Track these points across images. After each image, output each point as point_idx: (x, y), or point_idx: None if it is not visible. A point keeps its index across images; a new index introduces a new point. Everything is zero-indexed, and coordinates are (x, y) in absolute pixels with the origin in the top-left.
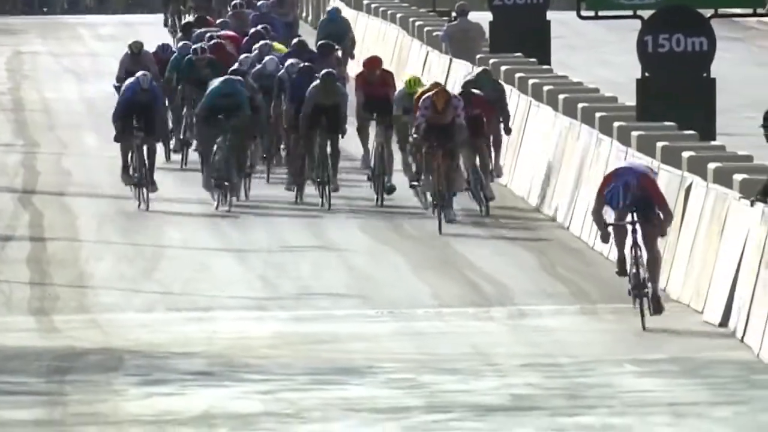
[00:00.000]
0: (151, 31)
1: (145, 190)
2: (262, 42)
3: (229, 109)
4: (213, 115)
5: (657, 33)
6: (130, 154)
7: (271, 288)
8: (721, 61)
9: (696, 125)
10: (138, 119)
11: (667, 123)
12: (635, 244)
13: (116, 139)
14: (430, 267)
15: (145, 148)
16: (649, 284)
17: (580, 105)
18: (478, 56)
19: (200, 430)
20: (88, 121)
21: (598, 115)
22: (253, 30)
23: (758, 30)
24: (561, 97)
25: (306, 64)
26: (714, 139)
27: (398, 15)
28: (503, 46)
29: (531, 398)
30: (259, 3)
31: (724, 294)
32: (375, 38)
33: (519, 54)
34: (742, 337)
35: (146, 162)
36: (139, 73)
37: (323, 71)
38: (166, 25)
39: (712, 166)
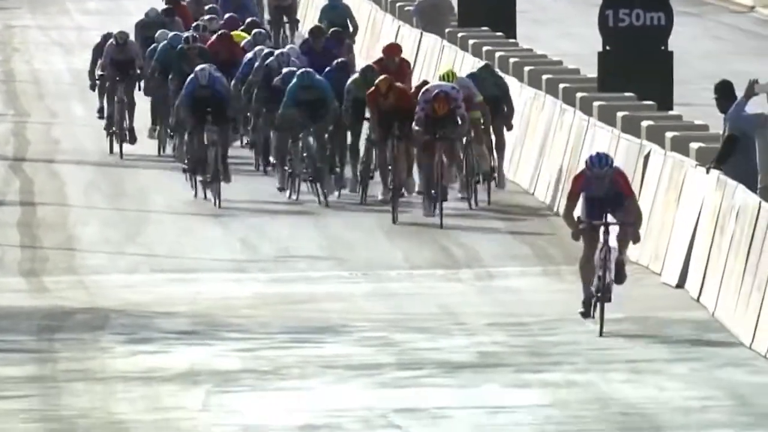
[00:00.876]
0: (137, 6)
1: (217, 184)
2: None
3: (314, 104)
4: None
5: (617, 7)
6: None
7: (251, 251)
8: (678, 35)
9: (654, 96)
10: (207, 114)
11: (626, 94)
12: (605, 245)
13: (188, 133)
14: (403, 231)
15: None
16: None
17: (544, 77)
18: (447, 30)
19: (184, 386)
20: (76, 92)
21: (561, 86)
22: (249, 20)
23: (714, 5)
24: (526, 69)
25: (342, 60)
26: (671, 109)
27: None
28: (471, 21)
29: (497, 355)
30: None
31: (681, 257)
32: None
33: (486, 28)
34: (698, 298)
35: (219, 155)
36: (198, 69)
37: (364, 66)
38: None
39: (669, 134)
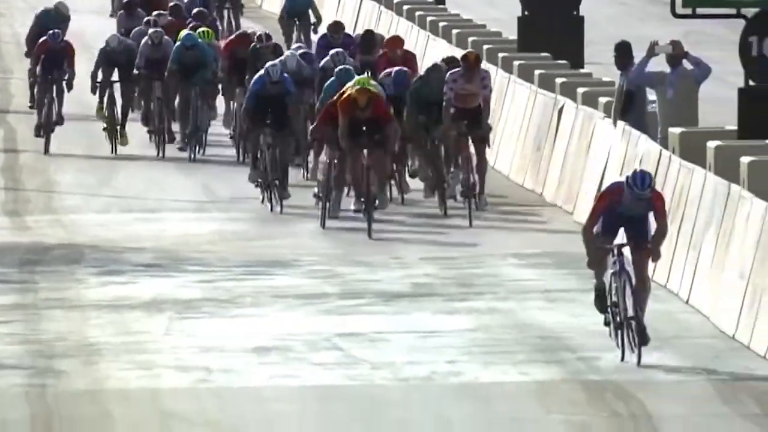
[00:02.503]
0: None
1: (276, 192)
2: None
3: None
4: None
5: None
6: (259, 151)
7: (211, 194)
8: (588, 2)
9: (567, 56)
10: (269, 114)
11: (543, 54)
12: (621, 269)
13: (246, 136)
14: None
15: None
16: (634, 313)
17: (470, 39)
18: None
19: (149, 313)
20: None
21: (485, 47)
22: (196, 10)
23: None
24: (454, 32)
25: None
26: (582, 67)
27: None
28: None
29: (429, 286)
30: None
31: (591, 197)
32: None
33: None
34: None
35: (280, 164)
36: (269, 64)
37: (397, 69)
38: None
39: (581, 90)
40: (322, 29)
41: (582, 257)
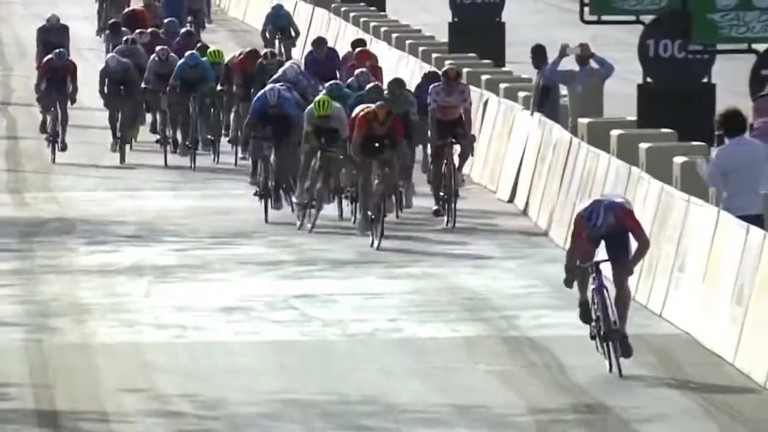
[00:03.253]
0: None
1: (271, 201)
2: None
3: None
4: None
5: None
6: (260, 163)
7: (186, 176)
8: (509, 11)
9: (491, 56)
10: (269, 129)
11: (470, 54)
12: (600, 285)
13: (244, 148)
14: None
15: (273, 159)
16: (618, 326)
17: (407, 41)
18: (332, 5)
19: (131, 277)
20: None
21: (420, 48)
22: (184, 30)
23: None
24: (393, 35)
25: (375, 83)
26: (504, 66)
27: None
28: (358, 2)
29: (373, 254)
30: None
31: (511, 178)
32: (263, 5)
33: (363, 4)
34: (524, 210)
35: (275, 175)
36: (267, 89)
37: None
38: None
39: (503, 86)
40: (299, 44)
41: (502, 228)
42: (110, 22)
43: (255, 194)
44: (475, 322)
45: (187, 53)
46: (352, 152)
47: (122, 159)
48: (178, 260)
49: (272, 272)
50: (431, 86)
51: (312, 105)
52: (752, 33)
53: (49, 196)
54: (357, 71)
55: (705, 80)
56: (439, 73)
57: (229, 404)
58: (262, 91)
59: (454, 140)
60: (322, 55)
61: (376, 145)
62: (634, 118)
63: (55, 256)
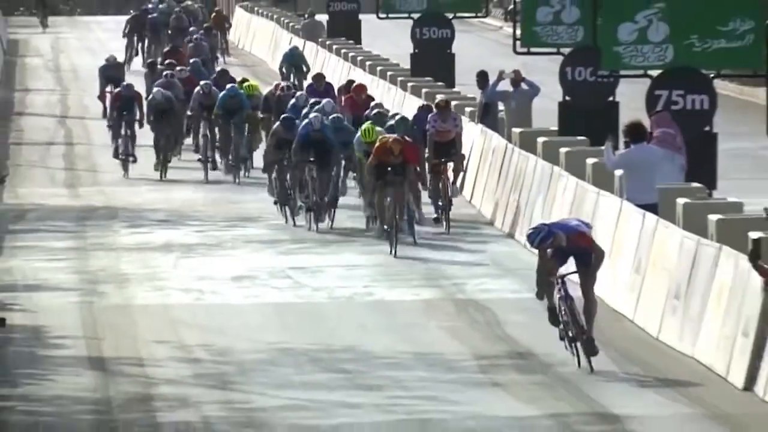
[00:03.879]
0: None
1: (314, 214)
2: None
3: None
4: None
5: (422, 26)
6: (302, 182)
7: (229, 188)
8: (458, 42)
9: (444, 79)
10: (312, 154)
11: (427, 78)
12: (566, 295)
13: (292, 169)
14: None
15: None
16: (586, 330)
17: (378, 68)
18: (320, 39)
19: (163, 253)
20: (96, 78)
21: (389, 73)
22: (219, 69)
23: (478, 26)
24: (368, 63)
25: (404, 116)
26: (454, 87)
27: (274, 15)
28: (335, 34)
29: (353, 235)
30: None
31: (460, 176)
32: (262, 31)
33: (344, 38)
34: (470, 200)
35: (319, 193)
36: (312, 115)
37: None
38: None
39: (454, 103)
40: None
41: (449, 217)
42: (148, 62)
43: (274, 203)
44: (431, 288)
45: (228, 86)
46: (366, 173)
47: (164, 174)
48: (199, 239)
49: (272, 249)
50: (429, 115)
51: (359, 133)
52: (648, 62)
53: (98, 189)
54: (372, 104)
55: (611, 99)
56: (432, 105)
57: (237, 352)
58: (307, 119)
59: (446, 159)
60: (320, 87)
61: (388, 169)
62: (555, 128)
63: (102, 236)
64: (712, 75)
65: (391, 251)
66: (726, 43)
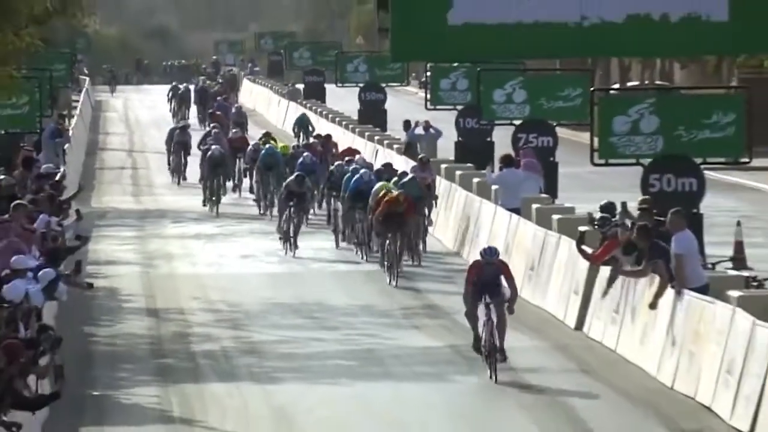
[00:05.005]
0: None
1: (364, 247)
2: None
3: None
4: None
5: (366, 91)
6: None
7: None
8: (389, 102)
9: (380, 125)
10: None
11: (369, 125)
12: (488, 319)
13: (345, 213)
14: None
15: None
16: (498, 343)
17: (336, 118)
18: (298, 101)
19: (195, 240)
20: (153, 125)
21: (343, 123)
22: (264, 132)
23: (403, 90)
24: (330, 115)
25: (413, 176)
26: (386, 131)
27: (268, 84)
28: (309, 98)
29: (320, 229)
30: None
31: None
32: (261, 95)
33: (314, 99)
34: None
35: (368, 237)
36: (363, 171)
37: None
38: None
39: (386, 141)
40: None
41: None
42: (181, 125)
43: (279, 239)
44: (374, 264)
45: (267, 146)
46: (374, 221)
47: (216, 210)
48: (219, 231)
49: (268, 237)
50: (411, 166)
51: (377, 188)
52: (640, 151)
53: (153, 198)
54: (384, 163)
55: (489, 139)
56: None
57: (244, 305)
58: (359, 173)
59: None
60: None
61: (393, 219)
62: (453, 158)
63: (157, 230)
64: (699, 162)
65: (390, 281)
66: (710, 133)
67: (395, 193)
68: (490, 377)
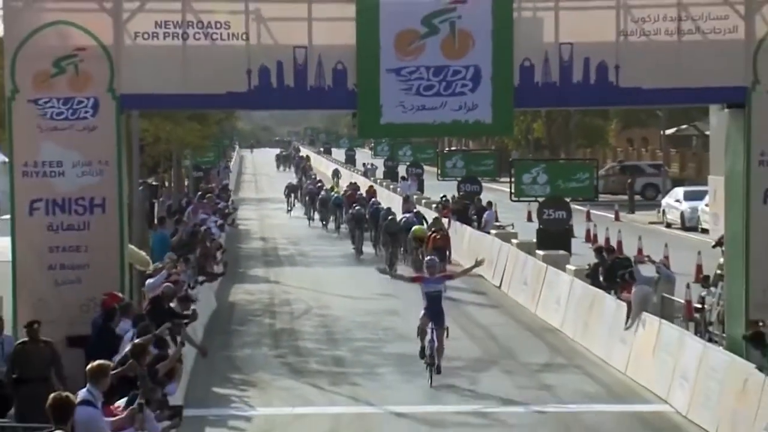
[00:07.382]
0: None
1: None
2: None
3: None
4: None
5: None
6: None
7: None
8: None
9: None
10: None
11: (335, 158)
12: (432, 340)
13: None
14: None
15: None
16: (437, 360)
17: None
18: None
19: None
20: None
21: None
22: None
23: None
24: (317, 150)
25: (437, 216)
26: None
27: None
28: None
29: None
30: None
31: None
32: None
33: (325, 148)
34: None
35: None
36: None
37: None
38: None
39: (361, 167)
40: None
41: None
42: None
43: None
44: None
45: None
46: (422, 251)
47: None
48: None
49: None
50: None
51: (414, 230)
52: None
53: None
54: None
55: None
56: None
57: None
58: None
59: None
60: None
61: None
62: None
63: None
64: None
65: (429, 381)
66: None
67: (432, 233)
68: (430, 384)
